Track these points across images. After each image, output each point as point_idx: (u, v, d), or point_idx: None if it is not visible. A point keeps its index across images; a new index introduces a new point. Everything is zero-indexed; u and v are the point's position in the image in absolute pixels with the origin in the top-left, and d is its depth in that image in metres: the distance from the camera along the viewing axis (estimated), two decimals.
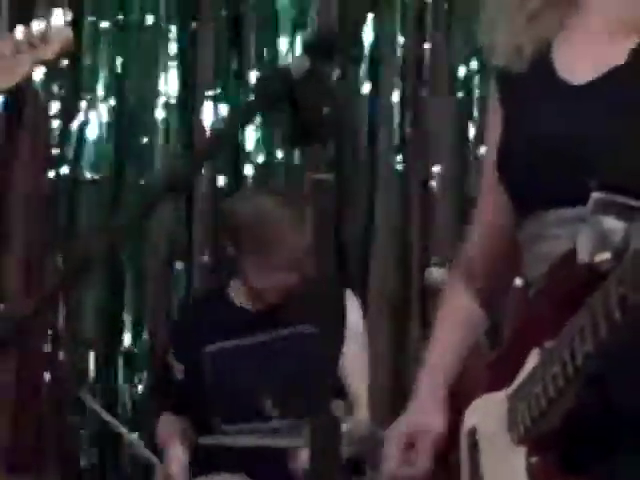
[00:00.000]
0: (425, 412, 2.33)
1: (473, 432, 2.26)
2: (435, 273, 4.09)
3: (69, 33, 2.41)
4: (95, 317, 5.41)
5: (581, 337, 1.99)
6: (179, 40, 5.53)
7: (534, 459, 2.09)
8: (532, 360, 2.13)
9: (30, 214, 5.42)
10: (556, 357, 2.05)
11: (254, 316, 4.54)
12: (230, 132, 2.69)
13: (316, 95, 1.94)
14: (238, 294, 4.60)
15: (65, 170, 5.42)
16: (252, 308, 4.57)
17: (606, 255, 1.98)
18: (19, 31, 2.41)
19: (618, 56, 2.16)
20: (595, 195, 2.03)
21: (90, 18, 5.39)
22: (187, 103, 5.51)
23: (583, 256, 2.02)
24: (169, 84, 5.51)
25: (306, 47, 1.99)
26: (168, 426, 4.59)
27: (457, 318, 2.43)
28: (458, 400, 2.32)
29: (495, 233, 2.37)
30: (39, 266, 5.42)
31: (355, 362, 4.51)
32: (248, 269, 4.47)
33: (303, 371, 4.17)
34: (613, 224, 2.02)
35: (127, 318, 5.48)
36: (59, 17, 2.39)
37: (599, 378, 2.02)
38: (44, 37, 2.43)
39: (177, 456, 4.45)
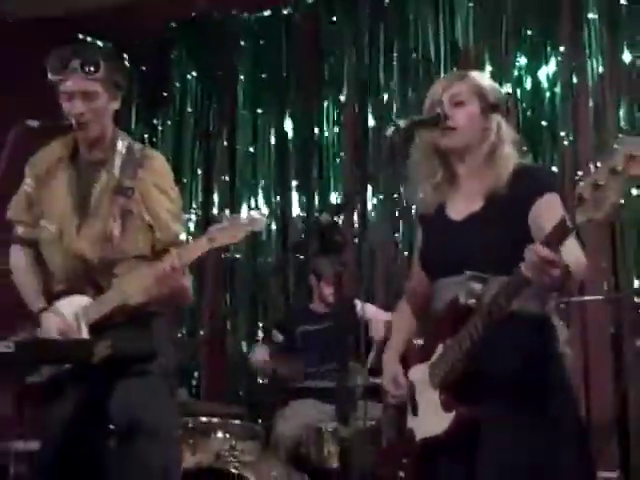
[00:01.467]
0: (395, 366, 2.32)
1: (412, 384, 2.25)
2: None
3: (264, 222, 2.40)
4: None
5: (464, 339, 2.03)
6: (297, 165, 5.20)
7: (442, 396, 2.10)
8: (439, 349, 2.14)
9: (213, 277, 5.32)
10: (451, 349, 2.08)
11: (320, 315, 4.33)
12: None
13: (333, 232, 2.01)
14: (314, 307, 4.42)
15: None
16: (319, 311, 4.37)
17: (473, 300, 2.04)
18: (243, 215, 2.43)
19: (476, 206, 2.17)
20: (467, 272, 2.08)
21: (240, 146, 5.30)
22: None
23: (462, 300, 2.06)
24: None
25: (330, 209, 2.06)
26: None
27: (402, 321, 2.41)
28: (404, 367, 2.31)
29: (419, 285, 2.35)
30: (216, 303, 5.30)
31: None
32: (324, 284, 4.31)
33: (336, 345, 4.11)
34: (476, 286, 2.06)
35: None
36: (260, 213, 2.41)
37: (474, 358, 2.04)
38: (253, 220, 2.40)
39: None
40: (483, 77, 2.30)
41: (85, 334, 2.48)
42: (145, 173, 2.62)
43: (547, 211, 2.02)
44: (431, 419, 2.13)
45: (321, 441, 3.69)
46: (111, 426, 2.56)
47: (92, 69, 2.50)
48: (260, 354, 4.29)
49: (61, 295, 2.59)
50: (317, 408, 4.07)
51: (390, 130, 2.12)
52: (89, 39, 5.69)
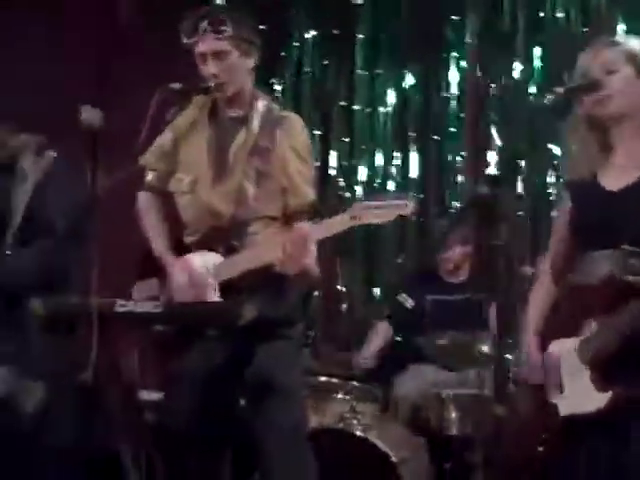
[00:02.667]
0: (533, 351, 2.22)
1: (557, 358, 2.14)
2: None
3: (412, 207, 2.32)
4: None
5: (625, 318, 1.97)
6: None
7: (595, 374, 2.03)
8: (593, 325, 2.04)
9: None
10: (609, 326, 2.00)
11: (452, 286, 4.25)
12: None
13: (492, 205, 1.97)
14: (443, 274, 4.32)
15: None
16: (450, 280, 4.29)
17: (632, 277, 1.96)
18: (391, 199, 2.34)
19: (635, 176, 2.06)
20: (624, 246, 1.99)
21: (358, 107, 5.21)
22: None
23: (620, 276, 1.98)
24: None
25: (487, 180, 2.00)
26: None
27: (541, 294, 2.30)
28: (544, 341, 2.21)
29: (562, 253, 2.24)
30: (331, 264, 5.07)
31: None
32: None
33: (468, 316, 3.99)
34: (635, 262, 1.97)
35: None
36: (409, 198, 2.36)
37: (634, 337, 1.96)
38: (403, 204, 2.32)
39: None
40: (634, 42, 2.17)
41: (215, 292, 2.48)
42: (283, 135, 2.61)
43: None
44: (581, 396, 2.05)
45: (441, 407, 3.69)
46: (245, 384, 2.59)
47: (220, 28, 2.52)
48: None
49: (192, 248, 2.59)
50: (437, 374, 4.04)
51: (549, 97, 2.07)
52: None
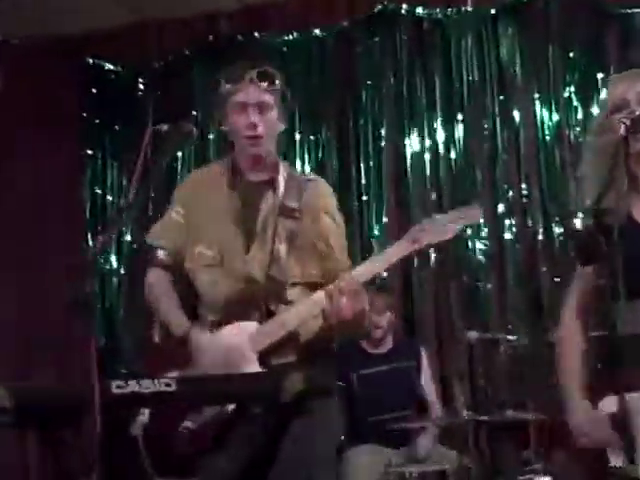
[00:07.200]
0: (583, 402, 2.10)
1: (625, 415, 1.94)
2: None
3: (480, 214, 2.28)
4: None
5: None
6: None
7: None
8: None
9: None
10: None
11: (377, 356, 4.11)
12: None
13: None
14: (366, 345, 4.12)
15: None
16: (374, 352, 4.12)
17: None
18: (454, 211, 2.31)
19: None
20: None
21: None
22: None
23: None
24: None
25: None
26: None
27: (574, 344, 2.21)
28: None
29: (590, 301, 2.18)
30: None
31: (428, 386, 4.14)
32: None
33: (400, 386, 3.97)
34: None
35: None
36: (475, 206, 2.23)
37: None
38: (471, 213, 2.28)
39: None
40: None
41: (255, 366, 2.24)
42: (310, 197, 2.48)
43: None
44: None
45: None
46: None
47: (270, 80, 2.43)
48: None
49: (215, 327, 2.36)
50: (382, 452, 3.85)
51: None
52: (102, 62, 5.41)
